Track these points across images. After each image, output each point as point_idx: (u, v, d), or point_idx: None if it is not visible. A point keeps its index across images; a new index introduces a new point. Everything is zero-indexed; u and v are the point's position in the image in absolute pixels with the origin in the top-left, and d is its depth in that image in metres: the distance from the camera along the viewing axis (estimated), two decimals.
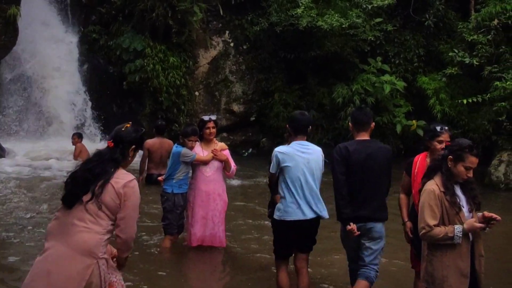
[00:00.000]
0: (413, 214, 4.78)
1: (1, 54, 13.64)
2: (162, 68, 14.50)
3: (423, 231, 3.81)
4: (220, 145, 6.71)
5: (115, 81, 14.81)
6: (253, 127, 16.10)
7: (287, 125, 5.15)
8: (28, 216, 7.81)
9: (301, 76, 15.59)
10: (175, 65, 14.77)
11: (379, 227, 4.66)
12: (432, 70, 15.08)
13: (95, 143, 13.05)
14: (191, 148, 6.47)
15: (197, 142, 6.51)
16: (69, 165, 10.66)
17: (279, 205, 4.88)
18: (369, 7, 14.33)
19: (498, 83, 12.13)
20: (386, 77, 14.47)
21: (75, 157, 11.41)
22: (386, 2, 14.16)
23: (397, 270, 6.06)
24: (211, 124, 6.51)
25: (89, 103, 14.89)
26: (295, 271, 5.05)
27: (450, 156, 3.89)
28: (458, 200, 3.84)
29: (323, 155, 4.95)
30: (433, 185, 3.86)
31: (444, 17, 15.45)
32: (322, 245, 5.84)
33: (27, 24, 14.09)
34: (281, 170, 4.87)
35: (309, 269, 5.13)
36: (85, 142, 11.97)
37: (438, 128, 4.83)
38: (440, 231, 3.77)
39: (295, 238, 4.88)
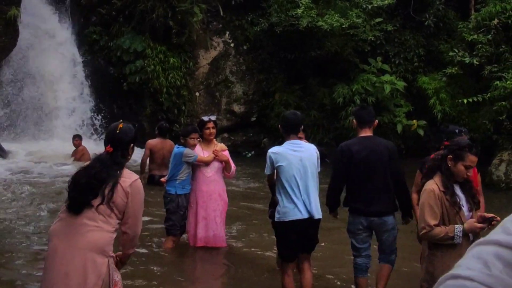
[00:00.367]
0: None
1: (1, 55, 13.65)
2: (163, 68, 14.52)
3: (424, 231, 3.83)
4: (220, 146, 6.72)
5: (115, 82, 14.80)
6: (254, 128, 16.10)
7: (279, 125, 5.20)
8: (28, 217, 7.80)
9: (302, 76, 15.60)
10: (176, 65, 14.79)
11: (391, 219, 4.97)
12: (432, 70, 15.10)
13: (95, 144, 13.03)
14: (194, 146, 6.43)
15: (197, 143, 6.51)
16: (69, 167, 10.69)
17: (278, 207, 4.91)
18: (369, 7, 14.36)
19: (498, 82, 12.13)
20: (386, 77, 14.50)
21: (77, 159, 11.41)
22: (386, 2, 14.18)
23: (410, 271, 6.00)
24: (211, 125, 6.51)
25: (90, 104, 14.90)
26: (297, 269, 5.07)
27: (450, 156, 3.89)
28: (458, 200, 3.85)
29: (318, 153, 4.97)
30: (433, 185, 3.87)
31: (444, 17, 15.47)
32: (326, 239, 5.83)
33: (27, 25, 14.11)
34: (276, 170, 4.90)
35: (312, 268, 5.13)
36: (85, 143, 11.98)
37: (457, 131, 5.03)
38: (440, 231, 3.77)
39: (296, 238, 4.89)
